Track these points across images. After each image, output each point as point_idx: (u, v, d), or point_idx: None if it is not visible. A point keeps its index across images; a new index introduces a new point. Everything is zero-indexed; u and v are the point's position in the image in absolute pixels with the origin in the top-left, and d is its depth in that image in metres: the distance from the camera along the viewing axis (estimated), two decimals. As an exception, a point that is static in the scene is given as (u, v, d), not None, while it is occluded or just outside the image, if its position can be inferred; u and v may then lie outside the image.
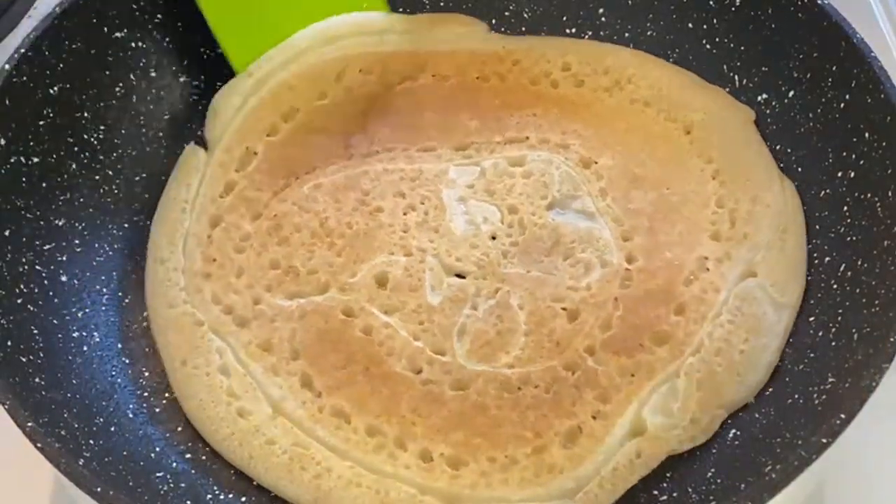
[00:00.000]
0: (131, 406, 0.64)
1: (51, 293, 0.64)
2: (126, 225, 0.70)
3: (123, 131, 0.72)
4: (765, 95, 0.71)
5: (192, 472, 0.62)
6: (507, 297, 0.66)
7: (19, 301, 0.62)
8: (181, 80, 0.75)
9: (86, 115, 0.70)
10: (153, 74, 0.74)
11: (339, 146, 0.73)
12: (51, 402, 0.59)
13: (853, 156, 0.65)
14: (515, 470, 0.60)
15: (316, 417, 0.62)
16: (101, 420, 0.61)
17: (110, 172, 0.71)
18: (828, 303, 0.63)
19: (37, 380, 0.59)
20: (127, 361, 0.66)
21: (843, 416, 0.53)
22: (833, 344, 0.61)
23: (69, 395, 0.61)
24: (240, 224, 0.70)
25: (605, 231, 0.68)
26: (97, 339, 0.65)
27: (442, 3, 0.79)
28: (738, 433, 0.61)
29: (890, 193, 0.62)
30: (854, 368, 0.57)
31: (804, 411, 0.59)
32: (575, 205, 0.69)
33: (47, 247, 0.66)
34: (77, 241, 0.67)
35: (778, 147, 0.70)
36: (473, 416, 0.61)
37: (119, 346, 0.66)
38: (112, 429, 0.61)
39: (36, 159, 0.66)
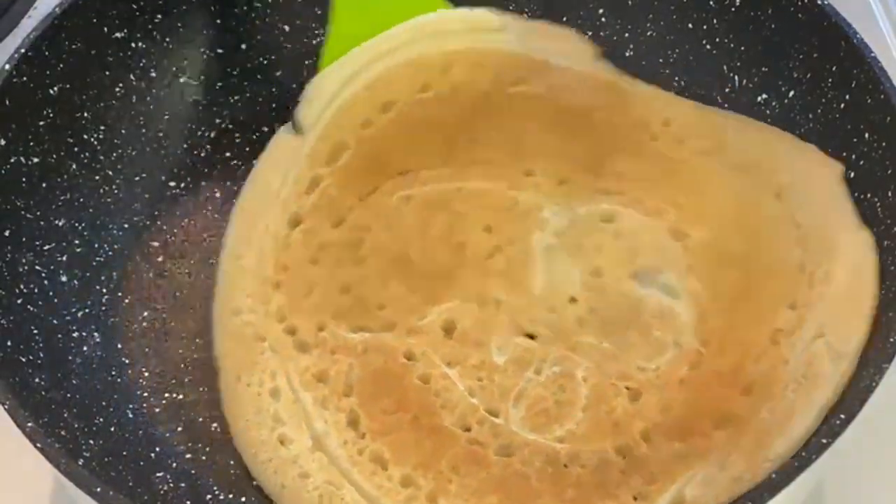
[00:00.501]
0: (131, 406, 0.64)
1: (51, 293, 0.64)
2: (126, 225, 0.70)
3: (123, 131, 0.72)
4: (765, 95, 0.71)
5: (192, 472, 0.62)
6: (572, 367, 0.62)
7: (19, 301, 0.62)
8: (181, 80, 0.75)
9: (86, 115, 0.70)
10: (153, 74, 0.74)
11: (437, 146, 0.68)
12: (51, 402, 0.59)
13: (853, 156, 0.65)
14: None
15: (354, 459, 0.60)
16: (101, 420, 0.61)
17: (110, 172, 0.71)
18: (828, 303, 0.63)
19: (37, 380, 0.59)
20: (127, 361, 0.66)
21: (843, 416, 0.53)
22: (833, 344, 0.61)
23: (69, 395, 0.61)
24: (320, 229, 0.66)
25: (685, 313, 0.63)
26: (97, 339, 0.65)
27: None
28: (739, 433, 0.61)
29: (890, 193, 0.62)
30: (854, 368, 0.57)
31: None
32: (659, 279, 0.65)
33: (47, 247, 0.66)
34: (77, 241, 0.67)
35: (778, 147, 0.71)
36: (512, 485, 0.58)
37: (119, 346, 0.66)
38: (112, 429, 0.61)
39: (36, 159, 0.66)
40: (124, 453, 0.60)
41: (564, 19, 0.78)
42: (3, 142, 0.64)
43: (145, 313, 0.68)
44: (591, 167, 0.68)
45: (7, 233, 0.63)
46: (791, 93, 0.70)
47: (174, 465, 0.62)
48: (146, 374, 0.66)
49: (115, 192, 0.71)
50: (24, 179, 0.65)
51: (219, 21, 0.76)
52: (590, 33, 0.77)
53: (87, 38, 0.70)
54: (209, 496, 0.60)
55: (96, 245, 0.69)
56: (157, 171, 0.73)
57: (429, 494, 0.59)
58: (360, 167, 0.68)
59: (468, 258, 0.65)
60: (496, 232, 0.66)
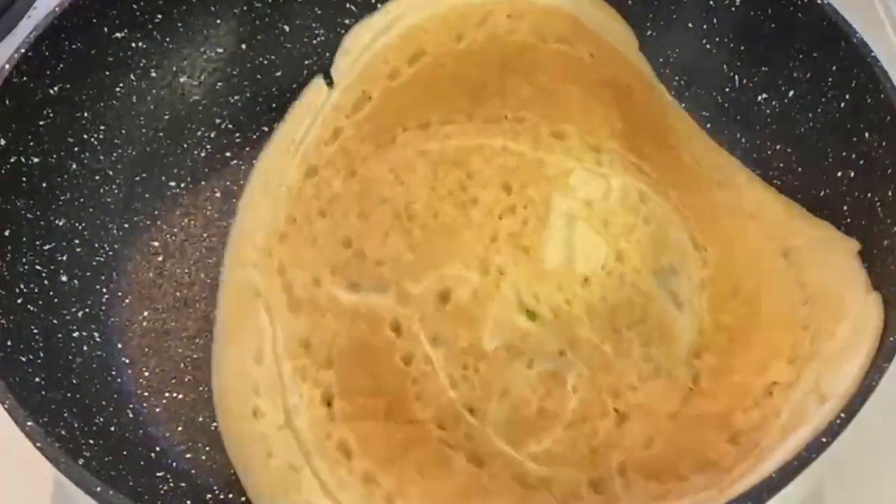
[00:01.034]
0: (131, 406, 0.64)
1: (51, 293, 0.64)
2: (126, 225, 0.70)
3: (123, 131, 0.72)
4: (765, 95, 0.71)
5: (192, 472, 0.62)
6: (565, 369, 0.58)
7: (19, 301, 0.62)
8: (181, 80, 0.75)
9: (86, 115, 0.70)
10: (153, 74, 0.74)
11: (464, 99, 0.64)
12: (51, 402, 0.59)
13: (853, 156, 0.65)
14: None
15: (320, 443, 0.57)
16: (101, 420, 0.61)
17: (110, 172, 0.71)
18: (828, 303, 0.63)
19: (37, 380, 0.59)
20: (127, 361, 0.66)
21: (843, 415, 0.53)
22: (833, 344, 0.61)
23: (69, 395, 0.61)
24: (332, 181, 0.63)
25: (684, 332, 0.60)
26: (97, 339, 0.65)
27: (442, 3, 0.79)
28: (739, 433, 0.61)
29: (890, 193, 0.62)
30: (854, 368, 0.57)
31: (804, 411, 0.59)
32: (672, 282, 0.61)
33: (47, 247, 0.66)
34: (77, 241, 0.67)
35: (778, 147, 0.70)
36: (475, 497, 0.55)
37: (119, 346, 0.66)
38: (112, 429, 0.61)
39: (36, 159, 0.66)
40: (124, 453, 0.60)
41: (564, 19, 0.78)
42: (3, 142, 0.64)
43: (145, 313, 0.68)
44: (629, 141, 0.64)
45: (7, 233, 0.63)
46: (791, 93, 0.70)
47: (174, 465, 0.62)
48: (146, 373, 0.66)
49: (115, 192, 0.71)
50: (24, 179, 0.65)
51: (219, 21, 0.76)
52: (590, 33, 0.77)
53: (87, 38, 0.70)
54: (209, 496, 0.60)
55: (96, 245, 0.69)
56: (157, 171, 0.73)
57: (387, 496, 0.55)
58: (381, 119, 0.65)
59: (477, 217, 0.61)
60: (514, 193, 0.61)
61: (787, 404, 0.56)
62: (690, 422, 0.57)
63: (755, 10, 0.71)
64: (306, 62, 0.78)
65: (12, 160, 0.65)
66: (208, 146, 0.75)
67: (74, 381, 0.62)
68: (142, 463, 0.61)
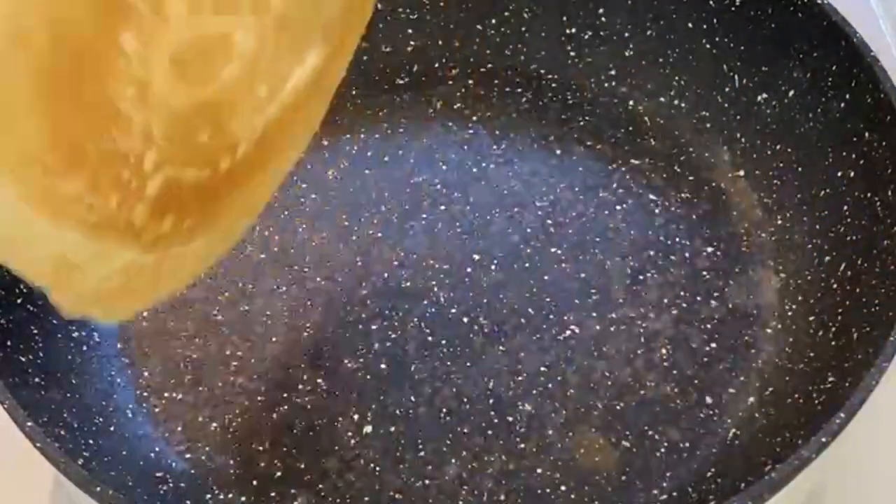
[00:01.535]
0: (131, 406, 0.64)
1: (51, 293, 0.64)
2: (126, 225, 0.70)
3: (123, 131, 0.72)
4: (765, 95, 0.71)
5: (192, 471, 0.62)
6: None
7: (19, 301, 0.62)
8: (181, 80, 0.75)
9: (86, 115, 0.70)
10: (153, 74, 0.74)
11: None
12: (51, 402, 0.59)
13: (853, 156, 0.65)
14: None
15: None
16: (101, 420, 0.61)
17: (110, 172, 0.71)
18: (828, 302, 0.63)
19: (37, 380, 0.59)
20: (127, 361, 0.66)
21: (843, 415, 0.53)
22: (833, 344, 0.61)
23: (69, 395, 0.61)
24: None
25: None
26: (97, 339, 0.65)
27: (442, 3, 0.79)
28: (738, 433, 0.61)
29: (890, 193, 0.62)
30: (854, 368, 0.57)
31: (804, 411, 0.59)
32: None
33: (47, 247, 0.65)
34: (77, 241, 0.67)
35: (777, 147, 0.71)
36: None
37: (119, 346, 0.66)
38: (112, 429, 0.61)
39: (36, 159, 0.66)
40: (124, 453, 0.60)
41: (564, 19, 0.78)
42: (3, 142, 0.64)
43: (145, 313, 0.68)
44: None
45: (7, 233, 0.63)
46: (791, 93, 0.70)
47: (174, 465, 0.62)
48: (146, 374, 0.66)
49: (115, 192, 0.71)
50: (24, 179, 0.65)
51: (219, 21, 0.76)
52: (590, 33, 0.77)
53: (87, 38, 0.70)
54: (209, 496, 0.60)
55: (96, 245, 0.68)
56: (157, 171, 0.73)
57: None
58: None
59: None
60: None
61: None
62: None
63: (755, 10, 0.71)
64: (306, 62, 0.78)
65: (12, 160, 0.65)
66: (208, 146, 0.75)
67: (74, 381, 0.62)
68: (142, 463, 0.61)
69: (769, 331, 0.65)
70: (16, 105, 0.38)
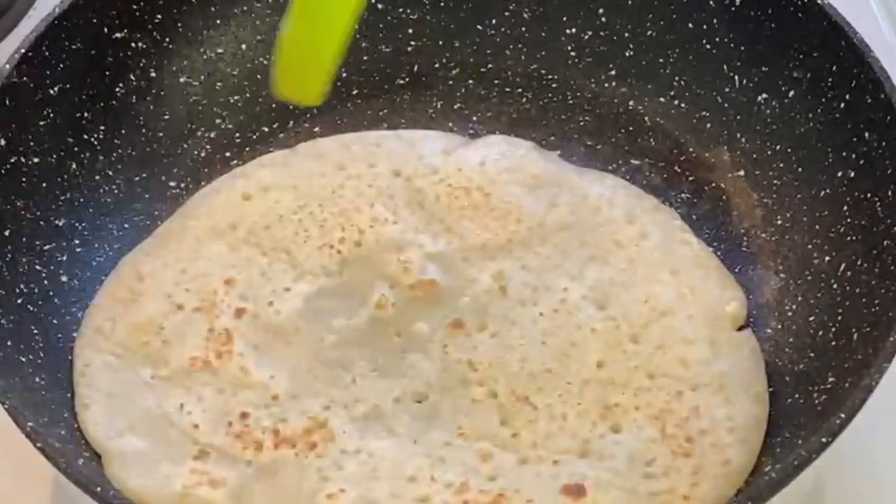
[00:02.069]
0: (131, 406, 0.64)
1: (51, 293, 0.64)
2: (126, 225, 0.70)
3: (123, 131, 0.72)
4: (765, 95, 0.71)
5: (192, 472, 0.62)
6: None
7: (19, 301, 0.62)
8: (181, 80, 0.75)
9: (86, 115, 0.70)
10: (153, 74, 0.74)
11: None
12: (51, 402, 0.59)
13: (853, 156, 0.65)
14: None
15: None
16: (101, 420, 0.61)
17: (110, 172, 0.71)
18: (828, 303, 0.63)
19: (37, 380, 0.59)
20: (127, 361, 0.66)
21: (843, 415, 0.53)
22: (833, 344, 0.61)
23: (69, 395, 0.61)
24: None
25: None
26: (97, 339, 0.65)
27: (442, 3, 0.79)
28: (738, 433, 0.61)
29: (890, 193, 0.62)
30: (854, 368, 0.57)
31: (804, 411, 0.59)
32: None
33: (47, 247, 0.66)
34: (77, 241, 0.67)
35: (777, 147, 0.70)
36: None
37: (119, 346, 0.66)
38: (112, 429, 0.62)
39: (36, 159, 0.66)
40: (124, 453, 0.60)
41: (564, 19, 0.78)
42: (3, 142, 0.64)
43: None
44: None
45: (7, 233, 0.63)
46: (791, 93, 0.70)
47: (174, 465, 0.62)
48: (146, 374, 0.65)
49: (115, 192, 0.71)
50: (24, 179, 0.65)
51: (218, 21, 0.76)
52: (590, 33, 0.77)
53: (87, 38, 0.70)
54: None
55: (96, 245, 0.68)
56: (157, 171, 0.73)
57: None
58: None
59: None
60: None
61: None
62: None
63: (755, 10, 0.71)
64: (306, 62, 0.78)
65: (12, 160, 0.65)
66: (208, 146, 0.75)
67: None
68: (142, 463, 0.61)
69: (769, 331, 0.65)
70: None
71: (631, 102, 0.76)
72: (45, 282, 0.64)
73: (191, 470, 0.58)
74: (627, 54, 0.77)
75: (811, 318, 0.64)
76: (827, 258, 0.65)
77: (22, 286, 0.63)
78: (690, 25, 0.74)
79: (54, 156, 0.67)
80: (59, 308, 0.64)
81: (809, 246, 0.66)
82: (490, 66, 0.79)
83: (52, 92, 0.68)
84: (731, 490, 0.57)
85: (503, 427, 0.60)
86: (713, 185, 0.73)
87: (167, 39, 0.75)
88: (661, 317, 0.64)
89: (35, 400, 0.57)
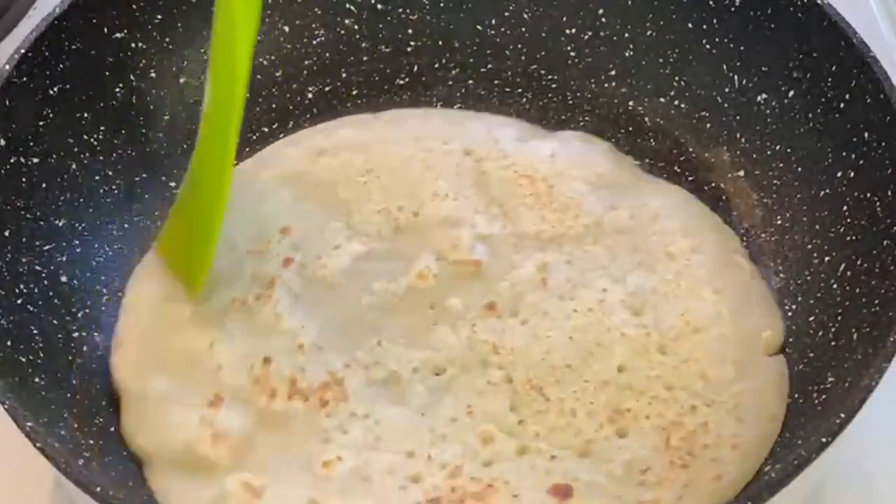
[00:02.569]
0: (131, 406, 0.64)
1: (51, 293, 0.64)
2: (126, 225, 0.70)
3: (123, 131, 0.72)
4: (765, 95, 0.71)
5: (192, 471, 0.62)
6: None
7: (19, 301, 0.62)
8: (181, 80, 0.75)
9: (86, 115, 0.70)
10: (153, 74, 0.74)
11: None
12: (51, 402, 0.59)
13: (853, 156, 0.65)
14: None
15: None
16: (101, 420, 0.61)
17: (110, 172, 0.71)
18: (828, 303, 0.63)
19: (37, 380, 0.59)
20: (127, 361, 0.66)
21: (843, 415, 0.53)
22: (833, 344, 0.61)
23: (69, 395, 0.61)
24: None
25: None
26: (97, 339, 0.65)
27: (442, 4, 0.79)
28: (738, 433, 0.61)
29: (890, 193, 0.62)
30: (854, 368, 0.57)
31: (804, 411, 0.59)
32: None
33: (47, 247, 0.66)
34: (77, 241, 0.67)
35: (777, 147, 0.70)
36: None
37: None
38: (112, 429, 0.61)
39: (36, 159, 0.66)
40: (124, 453, 0.60)
41: (564, 19, 0.78)
42: (3, 142, 0.64)
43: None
44: None
45: (7, 233, 0.63)
46: (791, 93, 0.70)
47: (174, 465, 0.62)
48: (146, 374, 0.66)
49: (115, 192, 0.71)
50: (24, 179, 0.65)
51: (219, 21, 0.76)
52: (590, 33, 0.77)
53: (87, 38, 0.70)
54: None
55: (96, 245, 0.68)
56: (157, 171, 0.73)
57: None
58: None
59: None
60: None
61: None
62: None
63: (755, 10, 0.71)
64: (306, 62, 0.78)
65: (12, 160, 0.65)
66: (208, 146, 0.75)
67: (74, 381, 0.62)
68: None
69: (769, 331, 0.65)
70: None
71: (631, 102, 0.76)
72: (45, 282, 0.64)
73: (200, 419, 0.60)
74: (627, 54, 0.77)
75: (811, 318, 0.64)
76: (827, 258, 0.65)
77: (22, 286, 0.63)
78: (690, 25, 0.74)
79: (54, 156, 0.68)
80: (59, 308, 0.64)
81: (809, 246, 0.66)
82: (490, 66, 0.79)
83: (52, 92, 0.68)
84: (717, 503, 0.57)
85: (511, 413, 0.60)
86: (713, 185, 0.73)
87: (167, 39, 0.75)
88: (693, 332, 0.63)
89: (35, 400, 0.57)
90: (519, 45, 0.79)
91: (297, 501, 0.58)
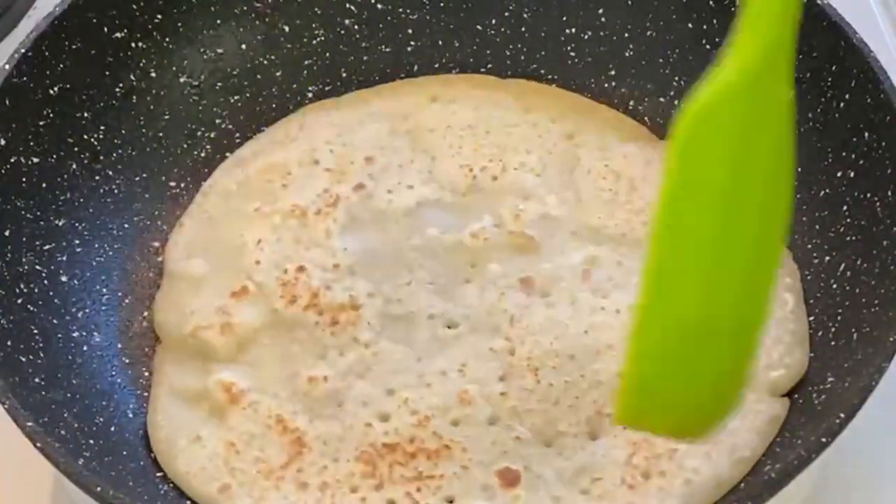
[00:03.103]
0: (131, 406, 0.64)
1: (51, 293, 0.64)
2: (126, 225, 0.70)
3: (123, 131, 0.72)
4: (765, 95, 0.71)
5: (192, 471, 0.62)
6: None
7: (19, 301, 0.62)
8: (181, 79, 0.75)
9: (86, 115, 0.70)
10: (153, 74, 0.74)
11: None
12: (51, 402, 0.59)
13: (853, 156, 0.65)
14: None
15: None
16: (101, 420, 0.61)
17: (110, 172, 0.71)
18: (828, 303, 0.63)
19: (37, 380, 0.59)
20: (127, 361, 0.66)
21: (842, 415, 0.53)
22: (833, 344, 0.61)
23: (69, 395, 0.61)
24: None
25: None
26: (97, 339, 0.65)
27: (442, 4, 0.79)
28: (738, 433, 0.61)
29: (890, 193, 0.62)
30: (854, 368, 0.57)
31: (804, 411, 0.59)
32: None
33: (47, 247, 0.66)
34: (77, 241, 0.67)
35: (778, 147, 0.70)
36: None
37: (119, 346, 0.66)
38: (112, 429, 0.61)
39: (36, 159, 0.66)
40: (124, 453, 0.60)
41: (564, 19, 0.78)
42: (3, 142, 0.64)
43: (145, 313, 0.68)
44: None
45: (7, 233, 0.63)
46: (791, 92, 0.70)
47: (174, 464, 0.62)
48: (146, 373, 0.66)
49: (115, 192, 0.71)
50: (24, 179, 0.65)
51: (219, 21, 0.76)
52: (590, 33, 0.77)
53: (87, 38, 0.70)
54: (209, 496, 0.60)
55: (96, 245, 0.68)
56: (157, 171, 0.73)
57: None
58: None
59: None
60: None
61: None
62: None
63: (755, 10, 0.71)
64: (306, 62, 0.78)
65: (12, 160, 0.65)
66: (208, 146, 0.75)
67: (74, 381, 0.62)
68: (142, 463, 0.61)
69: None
70: None
71: (631, 102, 0.76)
72: (45, 282, 0.64)
73: (217, 307, 0.64)
74: (627, 54, 0.77)
75: (811, 318, 0.64)
76: (827, 258, 0.65)
77: (22, 286, 0.63)
78: (690, 25, 0.74)
79: (54, 156, 0.68)
80: (59, 308, 0.64)
81: (809, 246, 0.66)
82: (490, 66, 0.79)
83: (52, 92, 0.68)
84: None
85: (499, 382, 0.61)
86: (713, 185, 0.73)
87: (167, 39, 0.75)
88: None
89: (35, 400, 0.57)
90: (519, 45, 0.79)
91: (265, 415, 0.60)
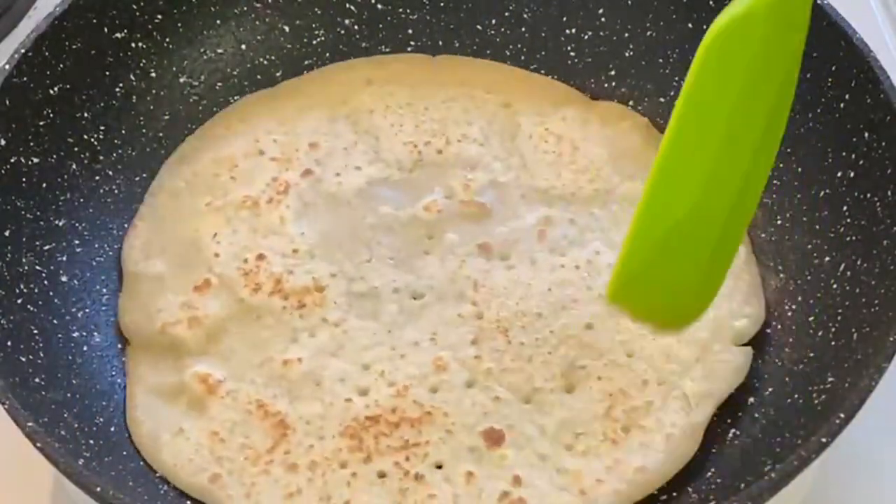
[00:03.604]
0: (131, 406, 0.64)
1: (51, 293, 0.64)
2: (126, 225, 0.70)
3: (123, 131, 0.72)
4: (765, 95, 0.71)
5: (192, 471, 0.62)
6: None
7: (19, 301, 0.62)
8: (181, 80, 0.75)
9: (86, 115, 0.70)
10: (153, 74, 0.74)
11: None
12: (51, 402, 0.59)
13: (853, 156, 0.65)
14: None
15: None
16: (101, 420, 0.61)
17: (110, 172, 0.71)
18: (828, 302, 0.63)
19: (37, 380, 0.59)
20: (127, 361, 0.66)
21: (842, 415, 0.53)
22: (833, 344, 0.61)
23: (69, 395, 0.61)
24: None
25: None
26: (97, 339, 0.65)
27: (442, 4, 0.79)
28: (738, 433, 0.61)
29: (890, 193, 0.62)
30: (854, 368, 0.57)
31: (804, 411, 0.59)
32: None
33: (47, 247, 0.66)
34: (77, 241, 0.67)
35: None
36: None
37: (119, 346, 0.66)
38: (112, 429, 0.61)
39: (36, 159, 0.66)
40: (124, 453, 0.60)
41: (564, 19, 0.78)
42: (3, 142, 0.64)
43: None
44: None
45: (7, 233, 0.63)
46: (791, 93, 0.70)
47: (174, 464, 0.62)
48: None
49: (115, 192, 0.71)
50: (24, 179, 0.65)
51: (218, 21, 0.77)
52: (590, 33, 0.77)
53: (87, 38, 0.70)
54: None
55: (96, 245, 0.69)
56: (157, 171, 0.73)
57: None
58: None
59: None
60: None
61: None
62: None
63: (755, 10, 0.71)
64: (306, 62, 0.78)
65: (12, 160, 0.65)
66: (208, 146, 0.75)
67: (74, 381, 0.62)
68: (142, 463, 0.61)
69: (769, 331, 0.65)
70: None
71: (631, 102, 0.76)
72: (45, 282, 0.64)
73: (182, 303, 0.65)
74: (627, 54, 0.77)
75: (811, 318, 0.64)
76: (827, 258, 0.65)
77: (22, 286, 0.63)
78: (690, 25, 0.74)
79: (54, 156, 0.68)
80: (59, 308, 0.64)
81: (809, 246, 0.66)
82: (490, 66, 0.79)
83: (52, 92, 0.68)
84: (632, 497, 0.58)
85: (471, 346, 0.63)
86: (713, 185, 0.73)
87: (167, 39, 0.75)
88: None
89: (35, 400, 0.57)
90: (519, 45, 0.79)
91: (245, 402, 0.61)
